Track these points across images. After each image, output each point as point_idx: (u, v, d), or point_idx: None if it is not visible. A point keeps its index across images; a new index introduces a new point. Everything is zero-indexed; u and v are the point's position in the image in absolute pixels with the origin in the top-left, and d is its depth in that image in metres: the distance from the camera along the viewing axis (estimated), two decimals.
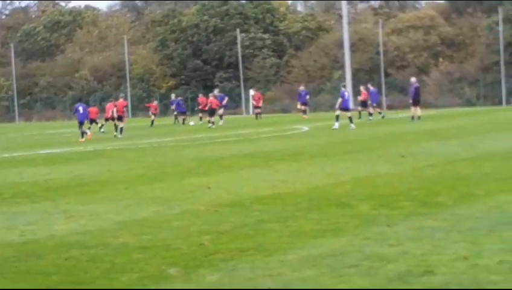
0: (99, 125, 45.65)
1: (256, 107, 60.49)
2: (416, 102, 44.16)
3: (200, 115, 56.04)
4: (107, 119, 44.62)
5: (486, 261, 8.48)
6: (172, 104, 59.04)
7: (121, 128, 41.77)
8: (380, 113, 49.78)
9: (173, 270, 8.70)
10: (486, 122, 39.03)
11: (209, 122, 47.90)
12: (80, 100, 51.05)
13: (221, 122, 50.96)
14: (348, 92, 44.27)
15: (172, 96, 61.24)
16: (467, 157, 20.58)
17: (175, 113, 57.37)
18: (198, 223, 11.93)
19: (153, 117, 55.79)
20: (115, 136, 40.99)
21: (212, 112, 49.01)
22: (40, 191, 17.42)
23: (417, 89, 45.04)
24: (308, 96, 56.96)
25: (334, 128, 37.70)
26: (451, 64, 71.45)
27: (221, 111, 52.41)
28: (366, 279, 7.97)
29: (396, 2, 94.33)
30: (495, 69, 67.78)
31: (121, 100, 45.81)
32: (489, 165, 18.35)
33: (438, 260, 8.63)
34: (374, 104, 49.78)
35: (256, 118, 57.53)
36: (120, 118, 42.38)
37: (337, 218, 11.81)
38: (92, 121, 43.79)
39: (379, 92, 59.72)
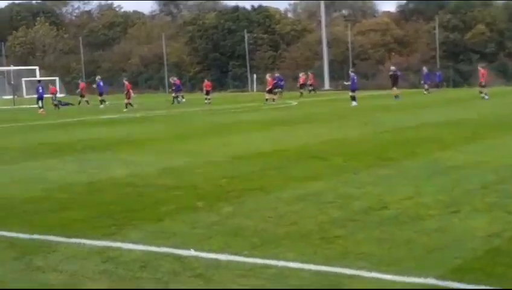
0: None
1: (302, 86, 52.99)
2: (395, 84, 41.34)
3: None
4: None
5: (426, 200, 8.48)
6: (278, 81, 46.40)
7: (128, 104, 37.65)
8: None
9: (200, 203, 8.71)
10: (424, 100, 38.87)
11: (266, 100, 40.91)
12: (39, 82, 41.99)
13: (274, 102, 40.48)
14: (356, 76, 37.03)
15: (276, 74, 49.10)
16: (411, 126, 20.53)
17: (278, 89, 45.47)
18: (218, 170, 11.93)
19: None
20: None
21: (269, 91, 42.06)
22: (103, 145, 17.41)
23: (397, 75, 42.38)
24: (282, 82, 48.77)
25: (354, 106, 33.31)
26: (400, 57, 70.95)
27: (276, 91, 43.85)
28: (339, 211, 7.96)
29: (360, 11, 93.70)
30: (431, 61, 67.44)
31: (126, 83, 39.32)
32: (427, 131, 18.34)
33: (390, 199, 8.62)
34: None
35: (301, 94, 50.79)
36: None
37: (318, 168, 11.79)
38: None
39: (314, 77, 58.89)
